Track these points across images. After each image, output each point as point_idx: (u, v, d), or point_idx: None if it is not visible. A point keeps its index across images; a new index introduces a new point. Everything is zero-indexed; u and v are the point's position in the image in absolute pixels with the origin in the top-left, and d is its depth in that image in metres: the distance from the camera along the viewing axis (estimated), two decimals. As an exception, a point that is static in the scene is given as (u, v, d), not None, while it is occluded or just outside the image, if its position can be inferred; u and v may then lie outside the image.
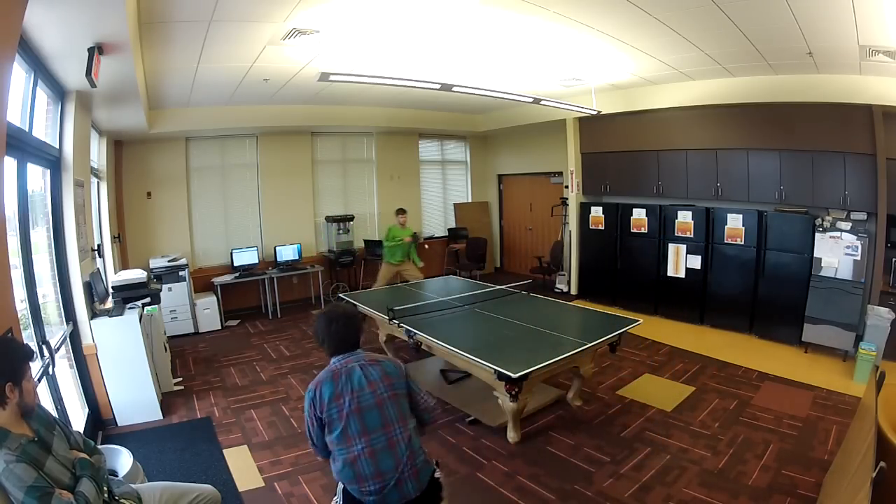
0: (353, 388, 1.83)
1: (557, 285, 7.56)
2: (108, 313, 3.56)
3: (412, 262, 6.60)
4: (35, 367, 1.68)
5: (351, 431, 1.79)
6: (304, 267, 7.09)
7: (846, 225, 4.64)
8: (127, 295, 3.82)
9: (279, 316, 6.76)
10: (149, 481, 2.29)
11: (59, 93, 3.32)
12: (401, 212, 6.62)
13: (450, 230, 9.13)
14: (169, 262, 5.81)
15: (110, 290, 3.94)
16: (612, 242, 6.66)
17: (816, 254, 4.77)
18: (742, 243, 5.40)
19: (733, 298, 5.50)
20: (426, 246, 7.82)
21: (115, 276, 4.25)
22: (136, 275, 4.07)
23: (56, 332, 3.18)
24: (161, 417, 3.75)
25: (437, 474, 1.94)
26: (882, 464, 1.51)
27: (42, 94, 3.08)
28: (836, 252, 4.63)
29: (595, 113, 5.84)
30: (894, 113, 4.31)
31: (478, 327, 4.01)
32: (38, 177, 3.24)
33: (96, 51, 2.59)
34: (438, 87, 4.15)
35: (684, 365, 4.62)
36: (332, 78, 3.66)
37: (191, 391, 4.29)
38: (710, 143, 5.73)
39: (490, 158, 9.63)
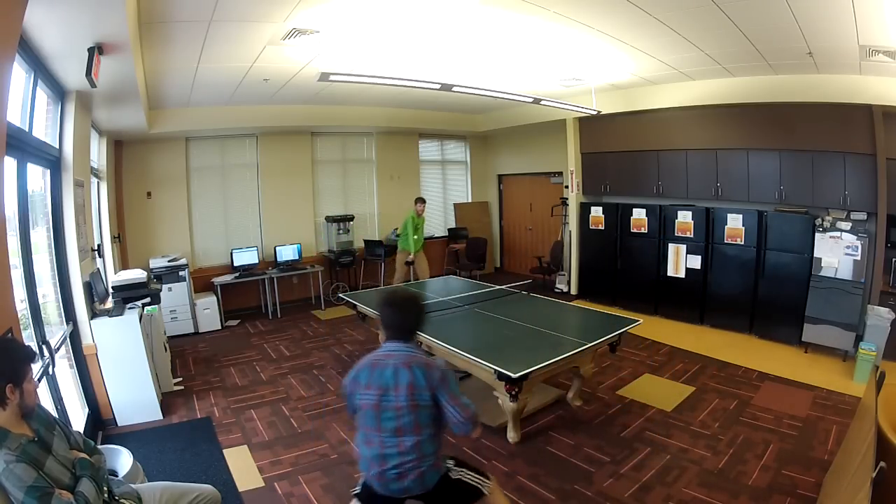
0: (380, 385, 1.91)
1: (557, 285, 7.56)
2: (108, 313, 3.56)
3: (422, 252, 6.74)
4: (35, 367, 1.68)
5: (368, 422, 1.92)
6: (304, 267, 7.09)
7: (846, 225, 4.64)
8: (127, 295, 3.82)
9: (279, 316, 6.76)
10: (149, 481, 2.29)
11: (59, 93, 3.32)
12: (420, 200, 6.71)
13: (450, 230, 9.13)
14: (169, 262, 5.81)
15: (110, 290, 3.94)
16: (612, 242, 6.66)
17: (816, 254, 4.77)
18: (742, 243, 5.40)
19: (733, 298, 5.50)
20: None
21: (115, 276, 4.25)
22: (136, 275, 4.07)
23: (56, 332, 3.18)
24: (161, 417, 3.75)
25: (454, 475, 2.00)
26: (882, 464, 1.51)
27: (42, 94, 3.08)
28: (836, 252, 4.63)
29: (595, 113, 5.84)
30: (894, 113, 4.31)
31: (478, 327, 4.01)
32: (38, 177, 3.24)
33: (96, 51, 2.59)
34: (438, 87, 4.15)
35: (684, 365, 4.62)
36: (332, 78, 3.66)
37: (191, 391, 4.29)
38: (710, 143, 5.73)
39: (490, 158, 9.63)
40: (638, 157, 6.48)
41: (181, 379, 4.50)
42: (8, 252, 2.05)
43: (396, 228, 8.05)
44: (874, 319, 4.21)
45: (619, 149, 6.69)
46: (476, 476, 2.05)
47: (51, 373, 2.71)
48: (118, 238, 5.94)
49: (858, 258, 4.51)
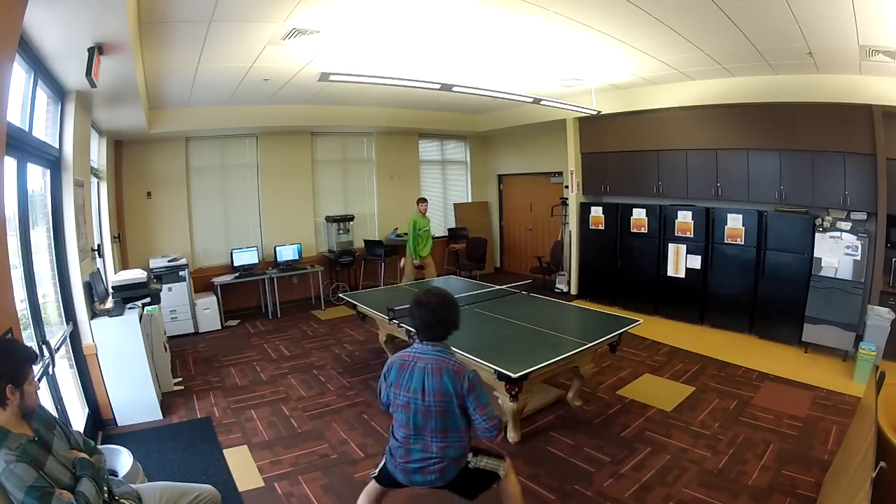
0: (409, 388, 1.98)
1: (557, 285, 7.56)
2: (108, 313, 3.56)
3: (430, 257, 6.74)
4: (36, 368, 1.68)
5: (399, 417, 2.02)
6: (304, 267, 7.09)
7: (846, 225, 4.64)
8: (127, 295, 3.82)
9: (279, 316, 6.76)
10: (149, 481, 2.29)
11: (59, 93, 3.32)
12: (423, 200, 6.71)
13: (450, 230, 9.13)
14: (169, 262, 5.81)
15: (110, 290, 3.94)
16: (612, 242, 6.66)
17: (816, 254, 4.77)
18: (742, 243, 5.40)
19: (733, 298, 5.50)
20: None
21: (115, 276, 4.25)
22: (136, 275, 4.06)
23: (56, 332, 3.17)
24: (161, 417, 3.75)
25: (472, 465, 2.08)
26: (882, 464, 1.51)
27: (42, 94, 3.08)
28: (836, 252, 4.63)
29: (595, 113, 5.84)
30: (894, 113, 4.31)
31: (478, 327, 4.00)
32: (38, 177, 3.23)
33: (96, 51, 2.58)
34: (438, 87, 4.15)
35: (684, 365, 4.62)
36: (332, 78, 3.66)
37: (191, 391, 4.29)
38: (710, 143, 5.73)
39: (490, 158, 9.63)
40: (638, 157, 6.48)
41: (181, 379, 4.50)
42: (8, 252, 2.05)
43: (397, 228, 8.06)
44: (874, 319, 4.21)
45: (619, 149, 6.68)
46: (492, 459, 2.14)
47: (51, 373, 2.71)
48: (118, 238, 5.93)
49: (858, 258, 4.51)
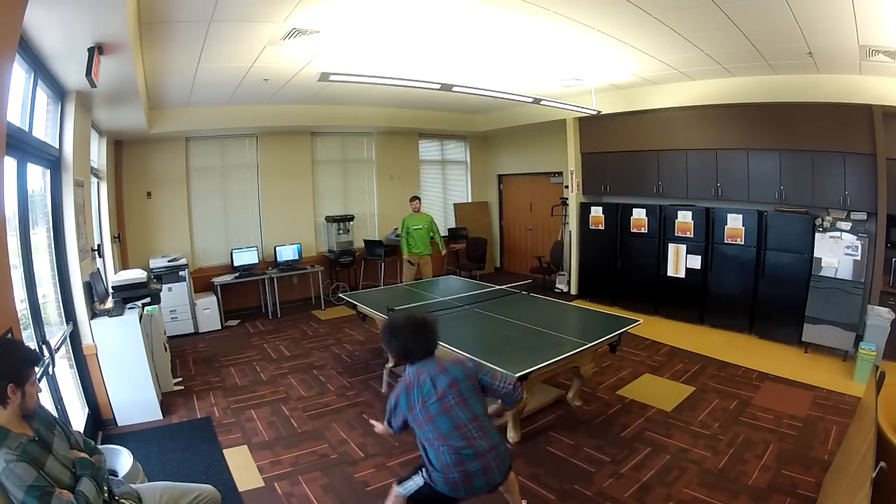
0: (424, 397, 1.97)
1: (557, 285, 7.56)
2: (108, 313, 3.56)
3: (429, 256, 6.72)
4: (38, 370, 1.68)
5: (430, 435, 1.96)
6: (304, 267, 7.08)
7: (846, 225, 4.64)
8: (127, 295, 3.82)
9: (279, 316, 6.76)
10: (149, 481, 2.30)
11: (59, 93, 3.32)
12: (414, 199, 6.73)
13: (450, 230, 9.12)
14: (169, 262, 5.81)
15: (110, 290, 3.94)
16: (612, 242, 6.66)
17: (816, 254, 4.76)
18: (742, 243, 5.40)
19: (733, 298, 5.50)
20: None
21: (115, 276, 4.25)
22: (136, 275, 4.07)
23: (56, 332, 3.18)
24: (161, 417, 3.75)
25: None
26: (882, 464, 1.52)
27: (42, 94, 3.08)
28: (836, 252, 4.63)
29: (595, 113, 5.84)
30: (894, 113, 4.31)
31: (478, 327, 4.01)
32: (38, 177, 3.23)
33: (96, 51, 2.58)
34: (438, 87, 4.15)
35: (684, 365, 4.61)
36: (332, 78, 3.66)
37: (191, 391, 4.29)
38: (710, 143, 5.73)
39: (490, 158, 9.63)
40: (638, 157, 6.48)
41: (181, 379, 4.50)
42: (8, 252, 2.05)
43: (396, 228, 8.05)
44: (874, 319, 4.21)
45: (619, 149, 6.68)
46: None
47: (51, 373, 2.71)
48: (118, 238, 5.93)
49: (858, 258, 4.51)
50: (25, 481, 1.41)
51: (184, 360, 5.09)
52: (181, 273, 5.84)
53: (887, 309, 4.23)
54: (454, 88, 4.22)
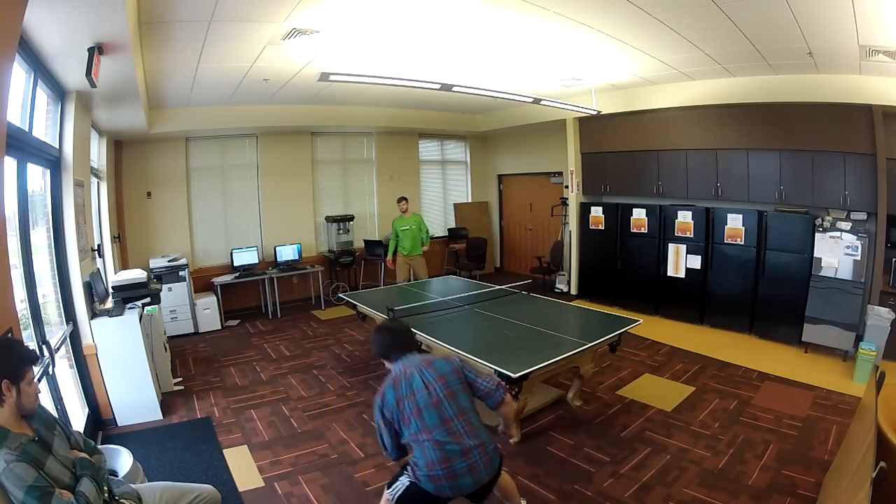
0: (412, 390, 1.99)
1: (557, 285, 7.56)
2: (108, 313, 3.56)
3: (421, 256, 6.73)
4: (36, 370, 1.68)
5: (413, 430, 1.96)
6: (304, 267, 7.08)
7: (846, 225, 4.64)
8: (127, 295, 3.82)
9: (279, 316, 6.76)
10: (149, 481, 2.30)
11: (59, 93, 3.32)
12: (401, 199, 6.74)
13: (450, 230, 9.13)
14: (169, 262, 5.81)
15: (110, 290, 3.94)
16: (612, 242, 6.66)
17: (816, 254, 4.76)
18: (742, 243, 5.40)
19: (733, 298, 5.50)
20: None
21: (115, 276, 4.25)
22: (136, 275, 4.06)
23: (56, 332, 3.18)
24: (161, 417, 3.75)
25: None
26: (882, 464, 1.52)
27: (42, 94, 3.08)
28: (836, 252, 4.63)
29: (595, 113, 5.84)
30: (894, 113, 4.31)
31: (478, 327, 4.01)
32: (38, 177, 3.23)
33: (96, 51, 2.58)
34: (438, 87, 4.15)
35: (684, 365, 4.61)
36: (332, 78, 3.66)
37: (191, 391, 4.29)
38: (710, 143, 5.73)
39: (490, 158, 9.63)
40: (638, 157, 6.48)
41: (181, 379, 4.50)
42: (8, 252, 2.05)
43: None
44: (874, 319, 4.20)
45: (619, 149, 6.68)
46: None
47: (51, 373, 2.71)
48: (118, 238, 5.93)
49: (858, 258, 4.51)
50: (25, 481, 1.41)
51: (184, 360, 5.09)
52: (181, 273, 5.84)
53: (887, 309, 4.23)
54: (454, 88, 4.22)
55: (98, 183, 5.20)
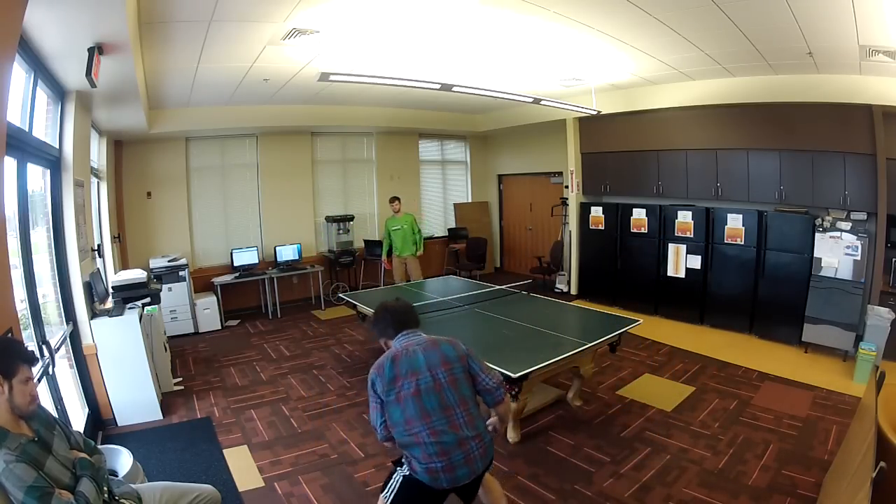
0: (414, 370, 1.89)
1: (557, 285, 7.56)
2: (108, 313, 3.56)
3: (413, 256, 6.75)
4: (34, 369, 1.67)
5: (410, 414, 1.85)
6: (304, 267, 7.08)
7: (846, 225, 4.64)
8: (127, 295, 3.82)
9: (279, 316, 6.76)
10: (149, 481, 2.29)
11: (59, 93, 3.32)
12: (393, 199, 6.78)
13: (450, 230, 9.13)
14: (169, 262, 5.81)
15: (110, 290, 3.94)
16: (612, 242, 6.66)
17: (816, 254, 4.76)
18: (742, 243, 5.40)
19: (733, 298, 5.50)
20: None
21: (115, 276, 4.25)
22: (136, 275, 4.06)
23: (56, 332, 3.18)
24: (161, 417, 3.75)
25: None
26: (882, 464, 1.52)
27: (42, 94, 3.08)
28: (836, 252, 4.63)
29: (595, 113, 5.84)
30: (894, 113, 4.31)
31: (478, 327, 4.01)
32: (38, 177, 3.23)
33: (96, 51, 2.58)
34: (438, 87, 4.15)
35: (684, 365, 4.61)
36: (332, 78, 3.66)
37: (191, 391, 4.29)
38: (709, 143, 5.73)
39: (490, 158, 9.62)
40: (638, 157, 6.47)
41: (181, 379, 4.50)
42: (8, 252, 2.05)
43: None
44: (874, 319, 4.20)
45: (619, 149, 6.68)
46: None
47: (51, 373, 2.71)
48: (118, 238, 5.93)
49: (858, 258, 4.51)
50: (25, 482, 1.41)
51: (184, 360, 5.09)
52: (181, 273, 5.84)
53: (887, 309, 4.23)
54: (454, 88, 4.22)
55: (98, 183, 5.20)
